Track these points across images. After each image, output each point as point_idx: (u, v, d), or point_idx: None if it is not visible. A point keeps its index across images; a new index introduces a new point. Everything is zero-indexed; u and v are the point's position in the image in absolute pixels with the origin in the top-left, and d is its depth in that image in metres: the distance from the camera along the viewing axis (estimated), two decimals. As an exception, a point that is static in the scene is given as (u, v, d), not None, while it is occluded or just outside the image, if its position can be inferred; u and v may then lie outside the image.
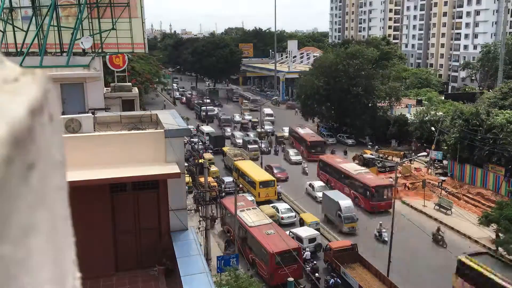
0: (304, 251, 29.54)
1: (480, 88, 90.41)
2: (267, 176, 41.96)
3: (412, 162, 49.82)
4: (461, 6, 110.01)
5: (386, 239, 31.98)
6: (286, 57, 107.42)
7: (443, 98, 74.82)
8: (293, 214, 37.11)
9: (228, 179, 43.35)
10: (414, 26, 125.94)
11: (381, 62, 67.09)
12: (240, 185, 42.27)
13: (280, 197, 42.00)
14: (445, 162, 50.24)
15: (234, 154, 49.60)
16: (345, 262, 28.68)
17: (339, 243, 31.18)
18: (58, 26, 22.43)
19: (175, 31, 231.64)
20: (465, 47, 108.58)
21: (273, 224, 31.08)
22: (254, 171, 42.97)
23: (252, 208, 33.24)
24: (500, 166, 42.78)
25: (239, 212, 30.68)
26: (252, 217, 31.34)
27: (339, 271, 28.37)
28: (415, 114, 57.87)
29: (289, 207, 38.24)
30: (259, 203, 37.71)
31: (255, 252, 29.64)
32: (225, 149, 53.33)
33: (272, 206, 37.61)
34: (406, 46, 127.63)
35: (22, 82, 0.73)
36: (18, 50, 22.48)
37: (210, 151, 54.48)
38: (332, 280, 27.45)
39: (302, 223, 35.11)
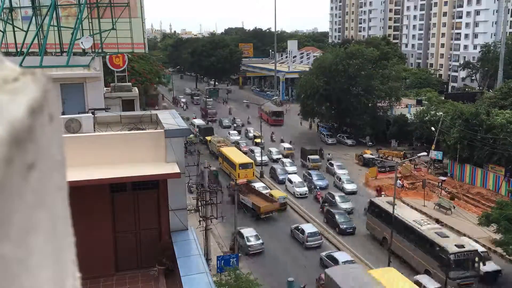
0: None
1: (480, 88, 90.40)
2: (246, 159, 48.12)
3: (412, 162, 49.85)
4: (461, 6, 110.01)
5: None
6: (286, 57, 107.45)
7: (443, 98, 74.83)
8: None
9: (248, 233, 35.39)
10: (414, 26, 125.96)
11: (381, 62, 67.03)
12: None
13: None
14: (445, 162, 50.27)
15: (218, 141, 57.78)
16: (244, 193, 39.43)
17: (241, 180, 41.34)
18: (58, 26, 22.44)
19: (175, 31, 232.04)
20: (465, 47, 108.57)
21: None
22: (235, 154, 49.14)
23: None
24: (500, 166, 42.80)
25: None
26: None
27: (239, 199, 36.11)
28: (415, 114, 57.88)
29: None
30: None
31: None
32: (208, 138, 61.12)
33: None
34: (406, 46, 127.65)
35: (22, 82, 0.73)
36: (18, 50, 22.49)
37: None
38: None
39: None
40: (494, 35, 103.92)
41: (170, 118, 16.01)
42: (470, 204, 41.31)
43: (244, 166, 46.52)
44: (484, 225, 30.78)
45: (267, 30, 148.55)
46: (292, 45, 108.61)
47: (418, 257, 30.14)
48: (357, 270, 25.93)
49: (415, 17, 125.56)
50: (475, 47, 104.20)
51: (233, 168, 46.89)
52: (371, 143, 60.21)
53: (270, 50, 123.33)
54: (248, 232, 33.84)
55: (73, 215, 0.85)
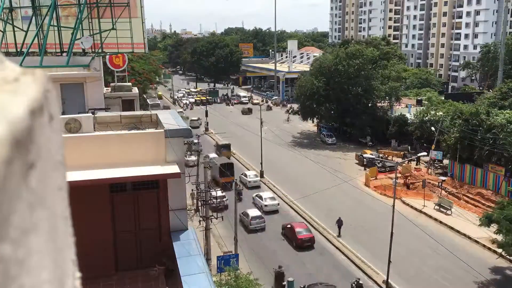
0: None
1: (480, 88, 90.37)
2: None
3: (412, 162, 49.84)
4: (461, 6, 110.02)
5: None
6: (286, 57, 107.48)
7: (443, 98, 74.81)
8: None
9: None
10: (414, 26, 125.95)
11: (381, 62, 67.01)
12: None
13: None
14: (445, 162, 50.23)
15: None
16: None
17: None
18: (58, 26, 22.42)
19: (175, 31, 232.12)
20: (465, 47, 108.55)
21: None
22: None
23: None
24: (500, 166, 42.76)
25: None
26: None
27: None
28: (415, 114, 57.84)
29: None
30: None
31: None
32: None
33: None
34: (406, 46, 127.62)
35: (22, 82, 0.73)
36: (18, 50, 22.47)
37: None
38: None
39: None
40: (494, 35, 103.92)
41: (170, 118, 16.00)
42: (470, 204, 41.28)
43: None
44: (484, 225, 30.69)
45: (267, 30, 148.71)
46: (292, 45, 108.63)
47: None
48: None
49: (415, 17, 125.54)
50: (475, 47, 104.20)
51: None
52: (371, 143, 60.21)
53: (270, 50, 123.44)
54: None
55: (73, 215, 0.85)
